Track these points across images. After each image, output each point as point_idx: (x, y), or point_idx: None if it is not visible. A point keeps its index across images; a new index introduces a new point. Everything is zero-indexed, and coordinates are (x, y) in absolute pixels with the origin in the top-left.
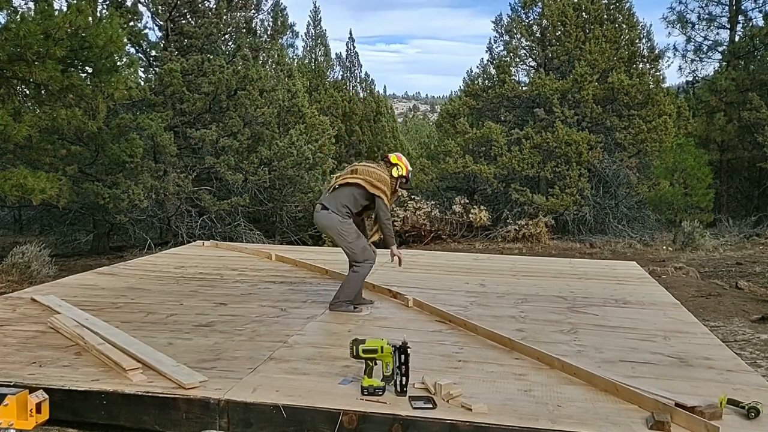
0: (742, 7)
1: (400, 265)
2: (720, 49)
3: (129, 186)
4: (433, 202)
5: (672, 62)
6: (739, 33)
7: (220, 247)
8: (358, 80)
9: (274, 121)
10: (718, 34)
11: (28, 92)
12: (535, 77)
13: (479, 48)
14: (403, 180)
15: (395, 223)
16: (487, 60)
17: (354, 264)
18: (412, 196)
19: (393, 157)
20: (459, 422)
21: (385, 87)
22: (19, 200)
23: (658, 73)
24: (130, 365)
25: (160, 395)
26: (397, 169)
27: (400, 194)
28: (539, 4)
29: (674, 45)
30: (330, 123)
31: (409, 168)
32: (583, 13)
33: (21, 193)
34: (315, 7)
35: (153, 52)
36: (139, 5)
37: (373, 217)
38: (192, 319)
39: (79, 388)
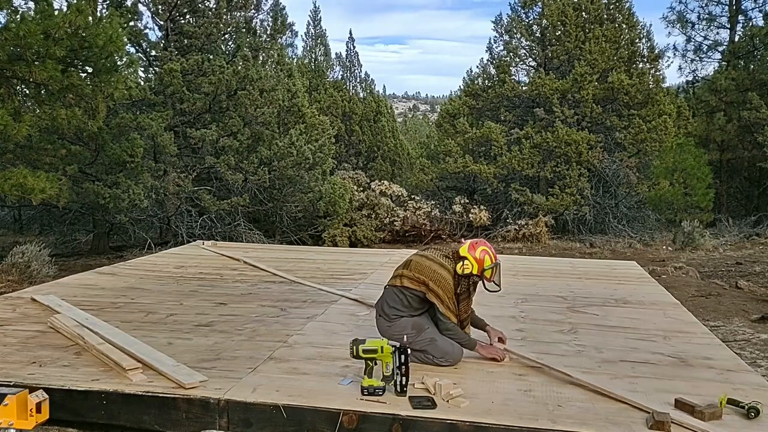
0: (742, 7)
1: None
2: (720, 48)
3: (129, 186)
4: (433, 202)
5: (672, 62)
6: (739, 33)
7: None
8: (357, 80)
9: (274, 121)
10: (718, 33)
11: (28, 92)
12: (535, 77)
13: (479, 48)
14: (475, 279)
15: (395, 223)
16: (487, 60)
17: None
18: (412, 196)
19: (463, 249)
20: (459, 422)
21: (384, 87)
22: (19, 200)
23: (658, 73)
24: (130, 365)
25: (160, 395)
26: (465, 264)
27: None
28: (539, 4)
29: (674, 45)
30: (330, 123)
31: (485, 265)
32: (583, 13)
33: (21, 193)
34: (315, 7)
35: (153, 52)
36: (139, 5)
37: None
38: (192, 319)
39: (79, 388)
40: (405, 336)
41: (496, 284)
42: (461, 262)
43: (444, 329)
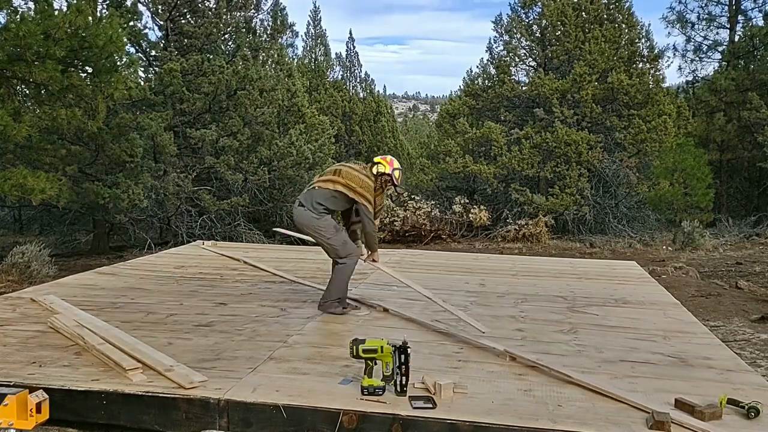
0: (742, 7)
1: (373, 260)
2: (720, 48)
3: (129, 186)
4: (433, 202)
5: (672, 62)
6: (739, 33)
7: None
8: (357, 80)
9: (274, 121)
10: (717, 33)
11: (28, 92)
12: (534, 77)
13: (479, 49)
14: (387, 178)
15: (395, 223)
16: (487, 60)
17: (338, 260)
18: (412, 196)
19: (377, 158)
20: (459, 422)
21: (384, 87)
22: (19, 200)
23: (657, 73)
24: (130, 365)
25: (160, 395)
26: (379, 167)
27: (390, 193)
28: (539, 4)
29: (674, 45)
30: (330, 123)
31: (395, 166)
32: (583, 13)
33: (21, 193)
34: (315, 7)
35: (153, 52)
36: (139, 5)
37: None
38: (192, 319)
39: (79, 388)
40: (341, 252)
41: (402, 187)
42: (376, 166)
43: (369, 230)
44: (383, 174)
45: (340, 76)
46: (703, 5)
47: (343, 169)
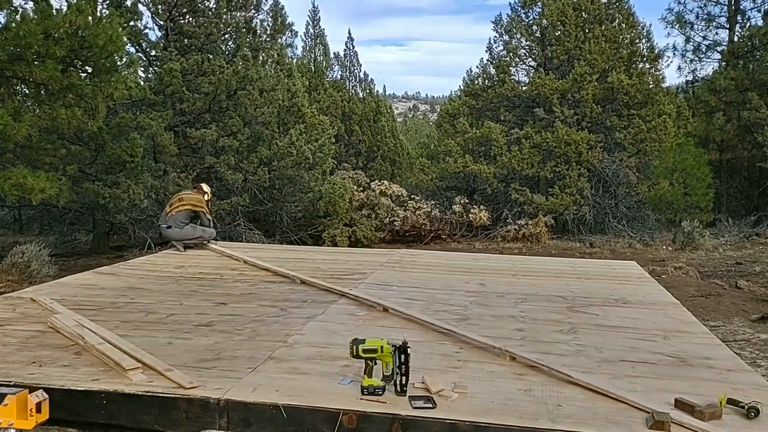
0: (741, 7)
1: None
2: (719, 48)
3: (129, 186)
4: (433, 202)
5: (671, 62)
6: (738, 33)
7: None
8: (357, 80)
9: (273, 120)
10: (717, 33)
11: (27, 92)
12: (534, 77)
13: (479, 49)
14: (207, 197)
15: (395, 223)
16: (487, 60)
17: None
18: (412, 196)
19: (204, 186)
20: (459, 422)
21: (384, 87)
22: (19, 200)
23: (657, 73)
24: (130, 365)
25: (160, 395)
26: (206, 195)
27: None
28: (539, 3)
29: (673, 45)
30: (330, 123)
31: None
32: (583, 13)
33: (21, 193)
34: (314, 7)
35: (153, 52)
36: (139, 5)
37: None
38: (192, 318)
39: (79, 388)
40: (208, 237)
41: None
42: (204, 194)
43: (208, 226)
44: (209, 199)
45: (339, 76)
46: (702, 5)
47: (184, 196)
